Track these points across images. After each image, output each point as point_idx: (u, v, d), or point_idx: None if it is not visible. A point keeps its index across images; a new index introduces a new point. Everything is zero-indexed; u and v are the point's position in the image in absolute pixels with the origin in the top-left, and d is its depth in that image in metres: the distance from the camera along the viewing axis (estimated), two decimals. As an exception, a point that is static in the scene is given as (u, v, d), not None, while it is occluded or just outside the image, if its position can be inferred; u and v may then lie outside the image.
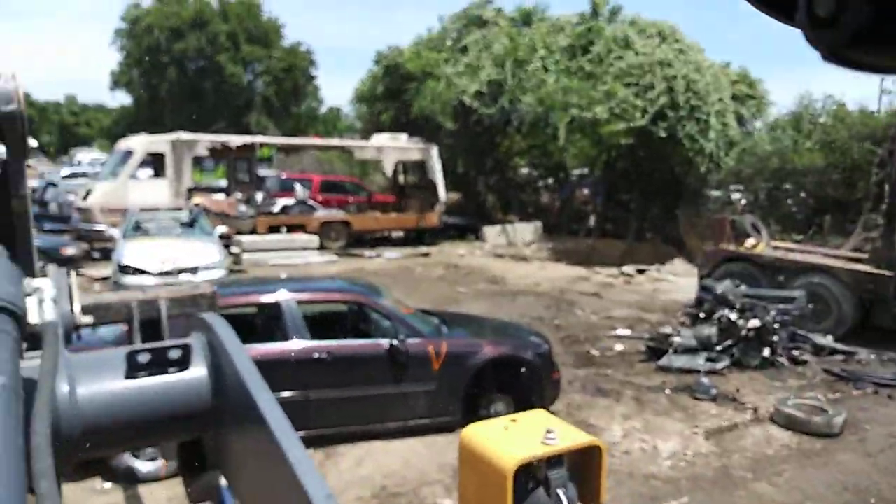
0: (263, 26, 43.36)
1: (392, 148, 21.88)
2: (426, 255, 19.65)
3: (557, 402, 7.53)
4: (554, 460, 2.35)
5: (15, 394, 1.04)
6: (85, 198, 17.80)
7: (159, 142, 18.58)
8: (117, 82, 37.69)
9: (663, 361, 9.25)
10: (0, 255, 1.21)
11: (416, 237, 22.01)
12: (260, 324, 6.96)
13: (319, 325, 6.96)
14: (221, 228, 14.46)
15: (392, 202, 23.20)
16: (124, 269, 11.45)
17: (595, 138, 19.59)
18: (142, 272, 11.35)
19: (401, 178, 24.28)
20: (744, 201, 20.18)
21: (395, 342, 6.62)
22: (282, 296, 6.77)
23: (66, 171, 34.95)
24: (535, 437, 2.37)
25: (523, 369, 7.02)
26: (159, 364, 1.26)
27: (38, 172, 41.52)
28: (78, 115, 73.68)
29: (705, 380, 8.45)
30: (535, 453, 2.31)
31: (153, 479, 5.87)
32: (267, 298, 6.84)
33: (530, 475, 2.32)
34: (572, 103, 18.77)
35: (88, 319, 2.16)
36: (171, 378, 1.26)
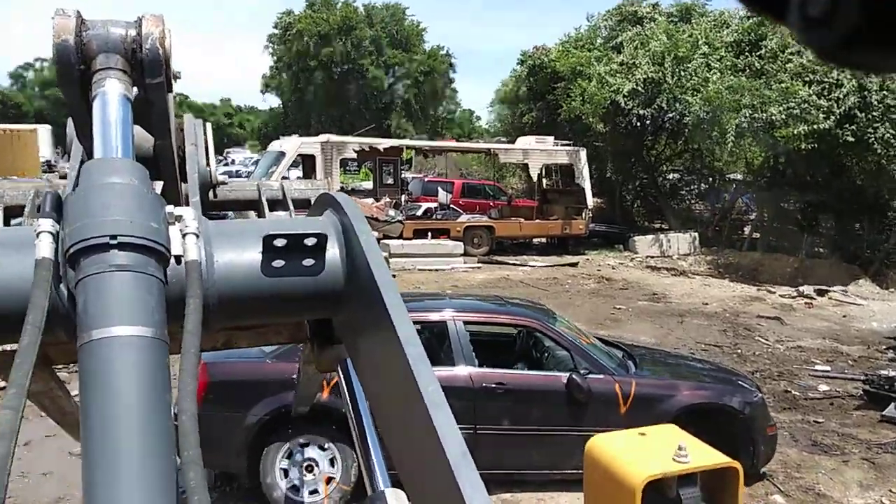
0: (406, 30, 43.92)
1: (539, 151, 20.98)
2: (573, 264, 18.59)
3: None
4: (686, 479, 2.27)
5: (163, 346, 1.01)
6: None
7: (310, 144, 18.81)
8: (268, 86, 39.56)
9: (890, 412, 7.76)
10: (144, 185, 1.11)
11: (559, 244, 21.01)
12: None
13: (486, 350, 6.24)
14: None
15: (534, 207, 22.30)
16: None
17: (768, 142, 17.68)
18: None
19: (544, 183, 23.32)
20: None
21: (574, 376, 5.75)
22: (448, 315, 6.10)
23: (221, 169, 36.99)
24: (666, 452, 2.26)
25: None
26: (295, 250, 1.22)
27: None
28: (232, 117, 78.67)
29: (946, 436, 6.96)
30: (667, 470, 2.23)
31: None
32: (433, 317, 6.21)
33: (660, 493, 2.21)
34: (743, 104, 17.01)
35: (224, 177, 2.21)
36: (306, 262, 1.23)
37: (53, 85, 65.42)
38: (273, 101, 45.11)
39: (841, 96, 16.56)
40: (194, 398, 0.94)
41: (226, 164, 40.05)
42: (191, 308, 1.06)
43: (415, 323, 1.09)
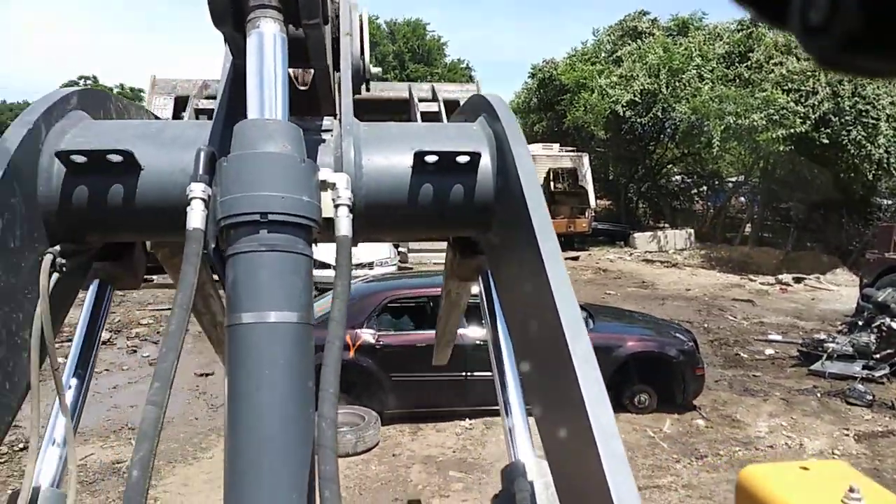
0: (427, 45, 46.11)
1: (545, 157, 22.85)
2: (575, 258, 20.42)
3: (703, 398, 8.09)
4: None
5: (308, 330, 1.02)
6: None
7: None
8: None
9: (816, 366, 9.45)
10: (297, 150, 1.10)
11: (565, 241, 22.78)
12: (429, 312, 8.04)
13: (473, 310, 7.81)
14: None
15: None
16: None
17: (751, 145, 19.36)
18: (326, 266, 13.16)
19: (551, 185, 25.13)
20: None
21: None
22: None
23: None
24: (834, 493, 2.02)
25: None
26: (446, 168, 1.22)
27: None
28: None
29: (860, 386, 8.56)
30: None
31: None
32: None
33: None
34: (728, 111, 18.73)
35: (378, 70, 2.03)
36: (457, 181, 1.24)
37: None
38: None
39: (816, 102, 18.18)
40: (336, 400, 0.92)
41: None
42: (338, 290, 1.04)
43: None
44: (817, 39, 0.39)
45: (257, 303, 0.99)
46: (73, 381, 1.28)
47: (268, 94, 1.16)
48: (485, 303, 1.59)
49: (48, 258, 1.12)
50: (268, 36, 1.18)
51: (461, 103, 2.14)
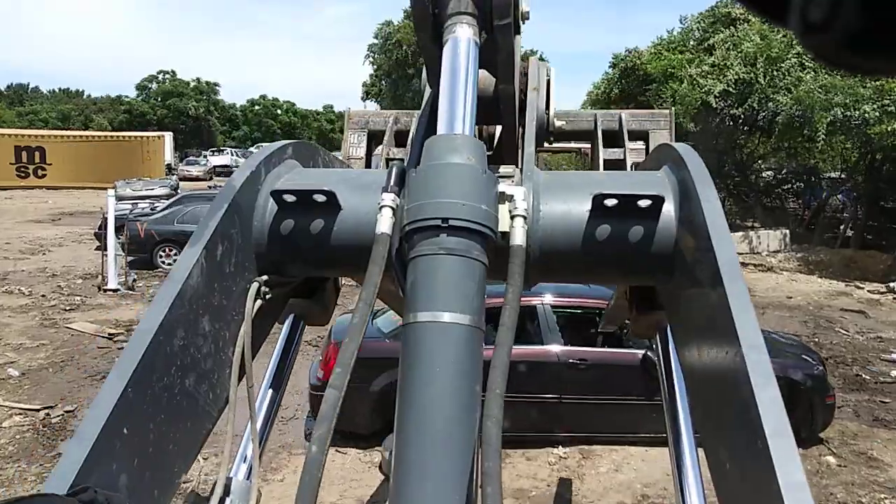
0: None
1: (630, 150, 21.70)
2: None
3: (829, 429, 7.15)
4: None
5: (479, 334, 1.04)
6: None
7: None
8: (368, 93, 41.88)
9: (955, 394, 8.32)
10: (480, 163, 1.13)
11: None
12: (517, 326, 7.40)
13: (569, 328, 7.15)
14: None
15: None
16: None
17: (861, 139, 17.73)
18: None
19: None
20: None
21: (649, 353, 6.69)
22: (538, 299, 7.09)
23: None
24: None
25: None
26: (626, 211, 1.20)
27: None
28: (334, 123, 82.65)
29: None
30: None
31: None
32: (525, 301, 7.33)
33: None
34: (835, 102, 17.17)
35: (562, 124, 2.06)
36: (636, 225, 1.20)
37: (174, 95, 71.13)
38: (372, 106, 47.57)
39: (938, 92, 16.44)
40: (502, 401, 0.93)
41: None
42: (509, 297, 1.06)
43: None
44: (817, 37, 0.39)
45: (433, 303, 1.02)
46: (265, 404, 1.44)
47: (458, 111, 1.24)
48: (661, 361, 1.56)
49: (255, 286, 1.24)
50: (462, 41, 1.28)
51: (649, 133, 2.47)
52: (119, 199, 26.65)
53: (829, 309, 13.63)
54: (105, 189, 18.43)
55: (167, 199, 21.21)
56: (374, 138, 2.49)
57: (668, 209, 1.20)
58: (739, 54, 20.12)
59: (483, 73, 1.51)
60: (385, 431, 6.38)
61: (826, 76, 18.55)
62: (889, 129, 16.39)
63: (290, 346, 1.54)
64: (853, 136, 17.87)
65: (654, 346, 1.67)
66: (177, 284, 1.07)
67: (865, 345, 10.98)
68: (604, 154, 2.68)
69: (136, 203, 23.23)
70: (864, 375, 9.41)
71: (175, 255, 16.41)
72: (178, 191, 26.47)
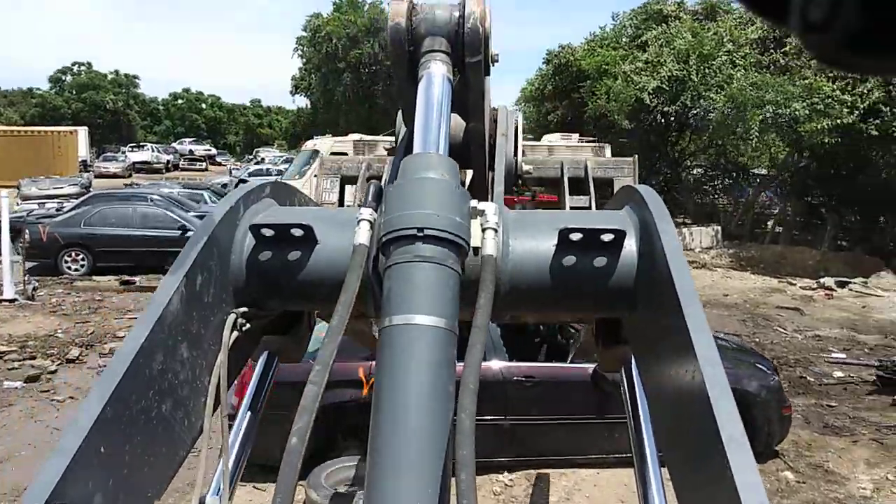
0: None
1: (564, 147, 21.44)
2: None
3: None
4: None
5: (452, 337, 1.05)
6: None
7: (343, 143, 19.52)
8: (297, 87, 40.40)
9: (901, 395, 8.17)
10: (454, 180, 1.18)
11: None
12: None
13: (513, 344, 6.50)
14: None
15: (555, 201, 22.71)
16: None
17: (791, 137, 17.96)
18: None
19: (565, 178, 23.76)
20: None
21: (598, 367, 6.17)
22: None
23: (252, 168, 37.92)
24: None
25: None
26: (590, 245, 1.21)
27: (226, 169, 45.80)
28: (261, 118, 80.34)
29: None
30: None
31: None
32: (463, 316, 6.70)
33: None
34: (767, 100, 17.31)
35: (530, 168, 2.17)
36: (599, 258, 1.22)
37: (90, 88, 67.44)
38: (302, 101, 46.08)
39: (865, 91, 16.78)
40: (475, 396, 0.95)
41: (256, 164, 41.09)
42: (481, 302, 1.08)
43: None
44: (817, 37, 0.40)
45: (407, 306, 1.05)
46: (240, 435, 1.45)
47: (432, 136, 1.35)
48: (627, 394, 1.59)
49: (232, 317, 1.25)
50: (437, 76, 1.38)
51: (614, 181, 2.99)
52: (24, 198, 24.78)
53: (765, 307, 13.60)
54: (9, 187, 16.74)
55: (77, 199, 19.64)
56: (348, 183, 2.62)
57: (630, 244, 1.24)
58: (672, 51, 20.14)
59: (454, 117, 1.55)
60: (310, 463, 5.55)
61: (755, 74, 18.75)
62: (818, 126, 16.62)
63: (264, 381, 1.56)
64: (783, 133, 18.08)
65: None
66: (158, 308, 1.07)
67: (805, 344, 10.88)
68: (570, 202, 2.81)
69: (43, 203, 21.58)
70: (808, 377, 9.21)
71: (82, 260, 15.04)
72: (91, 189, 24.73)
